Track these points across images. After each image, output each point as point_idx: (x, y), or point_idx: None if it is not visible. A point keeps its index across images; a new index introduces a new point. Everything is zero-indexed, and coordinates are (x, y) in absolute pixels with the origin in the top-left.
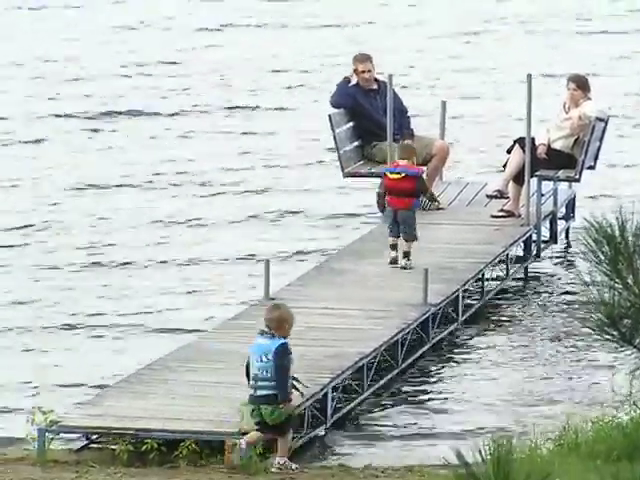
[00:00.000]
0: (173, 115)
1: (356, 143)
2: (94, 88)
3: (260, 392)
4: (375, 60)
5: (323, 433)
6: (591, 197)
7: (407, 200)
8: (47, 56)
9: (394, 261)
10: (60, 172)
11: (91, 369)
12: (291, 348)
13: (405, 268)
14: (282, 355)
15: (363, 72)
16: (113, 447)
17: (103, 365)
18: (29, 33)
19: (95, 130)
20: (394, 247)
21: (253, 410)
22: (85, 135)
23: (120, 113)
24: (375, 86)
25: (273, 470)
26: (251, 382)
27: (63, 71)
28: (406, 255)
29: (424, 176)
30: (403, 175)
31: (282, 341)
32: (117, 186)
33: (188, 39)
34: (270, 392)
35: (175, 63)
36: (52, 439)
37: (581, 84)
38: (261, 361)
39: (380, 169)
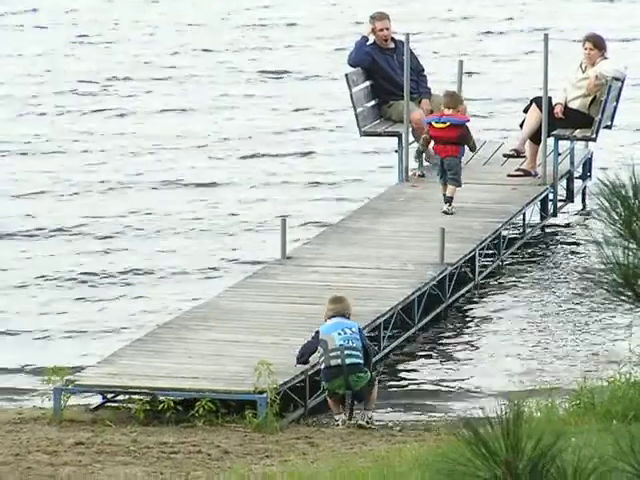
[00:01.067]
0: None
1: (373, 102)
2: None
3: (350, 360)
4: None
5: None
6: (608, 156)
7: (453, 148)
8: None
9: (446, 212)
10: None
11: (109, 322)
12: None
13: (447, 213)
14: (363, 335)
15: (381, 30)
16: (129, 406)
17: (120, 319)
18: None
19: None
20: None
21: (339, 383)
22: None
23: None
24: (392, 45)
25: (361, 423)
26: (333, 353)
27: None
28: (448, 201)
29: (468, 125)
30: (449, 124)
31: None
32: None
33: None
34: (359, 361)
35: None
36: (68, 397)
37: (597, 43)
38: (345, 333)
39: (427, 118)
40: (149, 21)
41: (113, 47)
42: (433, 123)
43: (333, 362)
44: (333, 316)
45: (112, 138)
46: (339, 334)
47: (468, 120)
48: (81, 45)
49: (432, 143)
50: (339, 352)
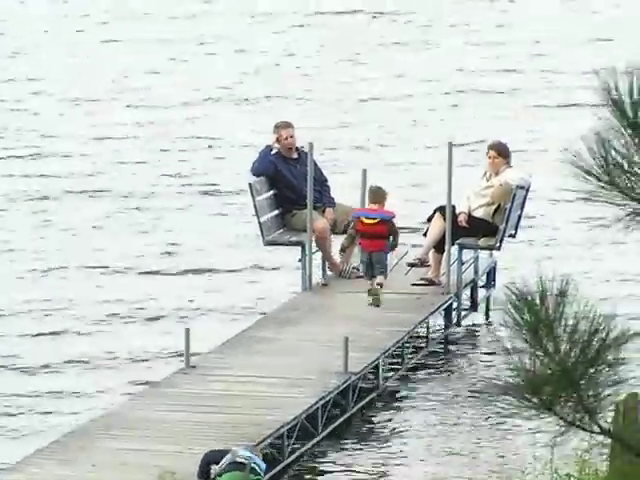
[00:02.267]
0: None
1: (276, 211)
2: None
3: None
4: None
5: None
6: (512, 265)
7: (381, 242)
8: None
9: (375, 304)
10: None
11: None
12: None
13: (374, 304)
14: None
15: (286, 138)
16: None
17: (25, 430)
18: None
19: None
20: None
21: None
22: None
23: None
24: (296, 155)
25: None
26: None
27: None
28: (380, 285)
29: (394, 220)
30: (378, 220)
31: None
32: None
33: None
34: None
35: None
36: None
37: (502, 151)
38: None
39: (355, 213)
40: None
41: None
42: (363, 218)
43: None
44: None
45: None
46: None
47: (394, 216)
48: None
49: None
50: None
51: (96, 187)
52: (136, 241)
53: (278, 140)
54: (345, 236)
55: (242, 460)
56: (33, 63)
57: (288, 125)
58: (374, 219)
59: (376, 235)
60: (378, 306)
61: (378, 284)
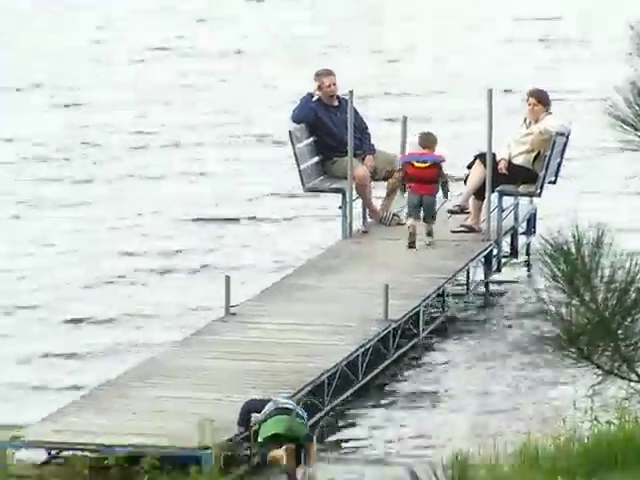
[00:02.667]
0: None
1: (316, 158)
2: None
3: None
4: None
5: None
6: (552, 212)
7: (431, 186)
8: None
9: (412, 245)
10: None
11: (56, 384)
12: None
13: (430, 245)
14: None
15: (329, 86)
16: (75, 462)
17: (65, 380)
18: None
19: None
20: (414, 229)
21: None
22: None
23: None
24: (336, 103)
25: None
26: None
27: None
28: (429, 233)
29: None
30: (429, 163)
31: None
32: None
33: None
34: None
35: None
36: (14, 454)
37: (541, 99)
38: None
39: (405, 158)
40: None
41: None
42: (414, 162)
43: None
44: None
45: None
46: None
47: (445, 159)
48: None
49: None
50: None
51: (143, 142)
52: (179, 189)
53: (320, 88)
54: (390, 180)
55: (288, 406)
56: None
57: (330, 73)
58: (425, 162)
59: (427, 179)
60: (414, 247)
61: (428, 233)
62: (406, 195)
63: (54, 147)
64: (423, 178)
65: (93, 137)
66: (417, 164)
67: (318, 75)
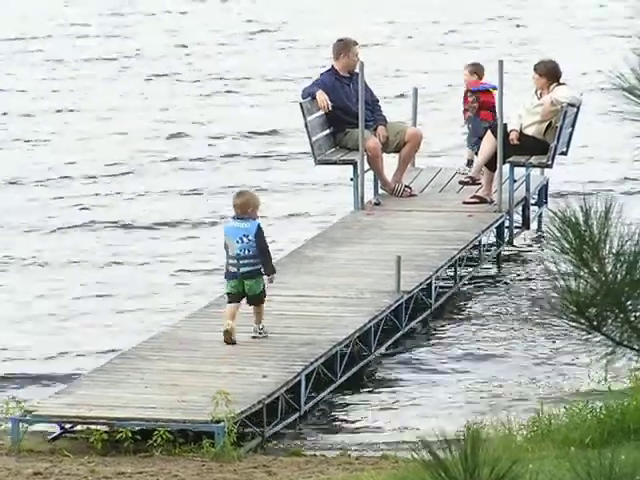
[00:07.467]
0: None
1: (327, 131)
2: None
3: (244, 269)
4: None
5: (297, 420)
6: (564, 182)
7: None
8: None
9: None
10: None
11: (66, 356)
12: None
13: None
14: (261, 235)
15: (357, 55)
16: (87, 436)
17: (77, 353)
18: None
19: None
20: (471, 162)
21: (234, 286)
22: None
23: None
24: (348, 74)
25: (253, 335)
26: (232, 261)
27: None
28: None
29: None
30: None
31: (258, 222)
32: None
33: None
34: (253, 268)
35: None
36: (26, 428)
37: (544, 72)
38: (242, 242)
39: (477, 86)
40: None
41: None
42: (490, 89)
43: (231, 269)
44: (236, 216)
45: None
46: (237, 242)
47: None
48: None
49: None
50: (236, 261)
51: (177, 129)
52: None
53: (348, 56)
54: (467, 113)
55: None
56: None
57: (356, 44)
58: (495, 89)
59: (493, 106)
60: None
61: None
62: (469, 126)
63: None
64: (493, 105)
65: None
66: (493, 91)
67: (347, 44)
